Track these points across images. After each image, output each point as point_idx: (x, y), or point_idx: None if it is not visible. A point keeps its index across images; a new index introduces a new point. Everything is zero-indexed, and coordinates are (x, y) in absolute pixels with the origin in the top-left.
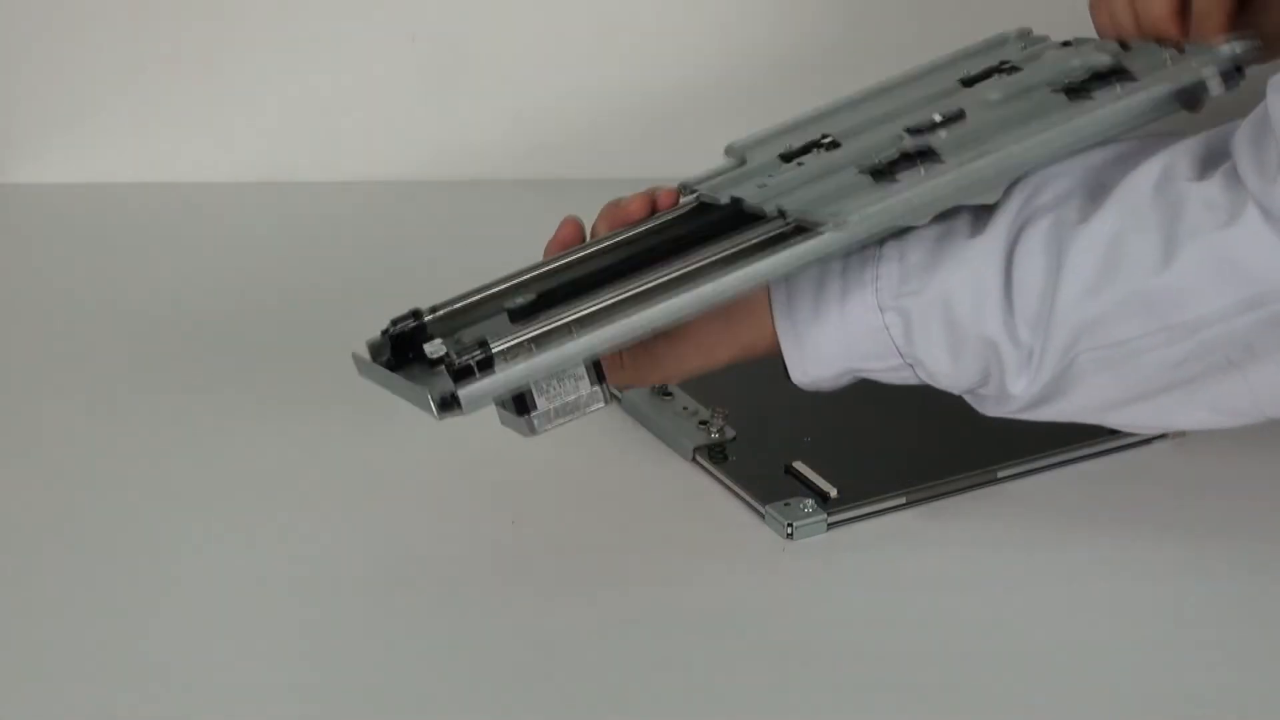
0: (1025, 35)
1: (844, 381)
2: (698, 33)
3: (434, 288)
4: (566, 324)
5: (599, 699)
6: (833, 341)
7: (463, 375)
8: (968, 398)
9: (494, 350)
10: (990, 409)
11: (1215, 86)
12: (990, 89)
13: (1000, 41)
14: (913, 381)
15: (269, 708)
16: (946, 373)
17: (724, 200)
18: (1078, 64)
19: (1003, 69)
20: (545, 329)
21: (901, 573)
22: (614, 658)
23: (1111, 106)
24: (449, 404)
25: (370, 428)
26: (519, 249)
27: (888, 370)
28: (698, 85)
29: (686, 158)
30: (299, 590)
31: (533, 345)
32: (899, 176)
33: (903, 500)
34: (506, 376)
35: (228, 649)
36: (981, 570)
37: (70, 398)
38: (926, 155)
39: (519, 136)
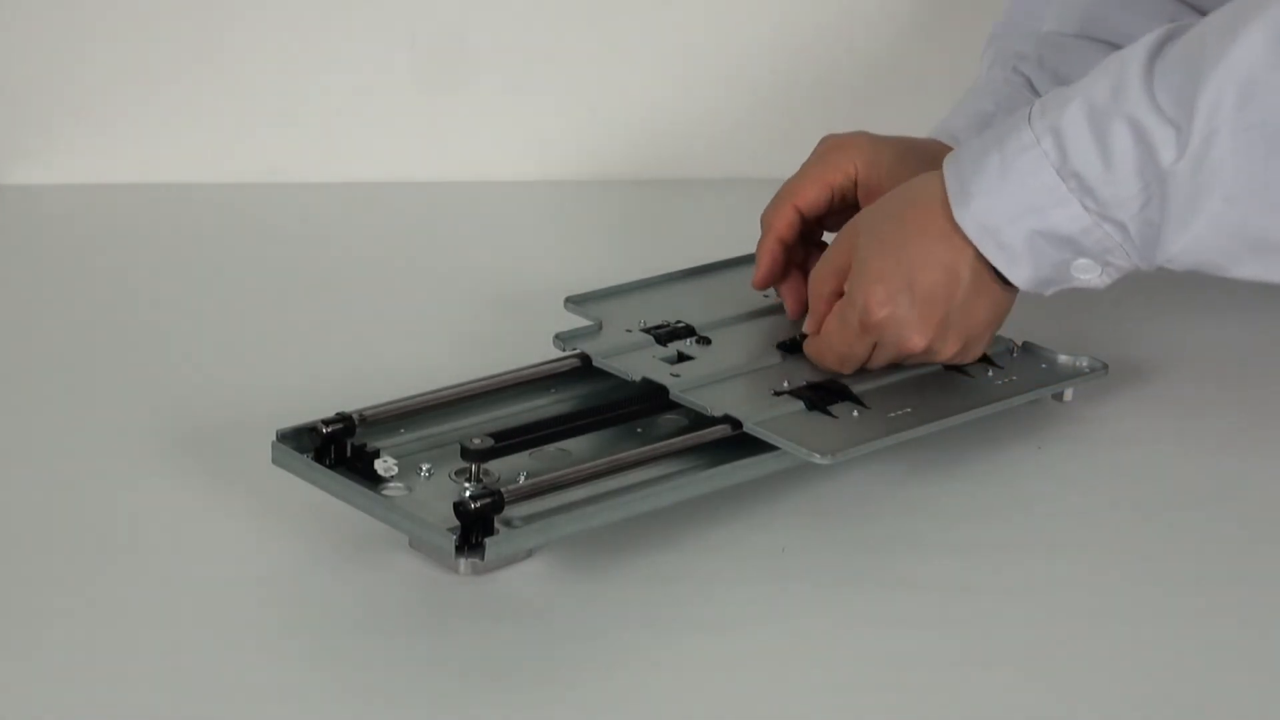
0: None
1: (1038, 254)
2: (697, 34)
3: (434, 288)
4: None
5: None
6: (996, 188)
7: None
8: (1132, 256)
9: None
10: (1150, 255)
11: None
12: None
13: None
14: (1089, 228)
15: None
16: (1102, 179)
17: (633, 378)
18: None
19: None
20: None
21: None
22: None
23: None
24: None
25: None
26: (518, 249)
27: (1060, 208)
28: (698, 87)
29: (686, 158)
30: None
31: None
32: (833, 411)
33: None
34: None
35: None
36: None
37: (70, 398)
38: (846, 394)
39: (519, 137)
